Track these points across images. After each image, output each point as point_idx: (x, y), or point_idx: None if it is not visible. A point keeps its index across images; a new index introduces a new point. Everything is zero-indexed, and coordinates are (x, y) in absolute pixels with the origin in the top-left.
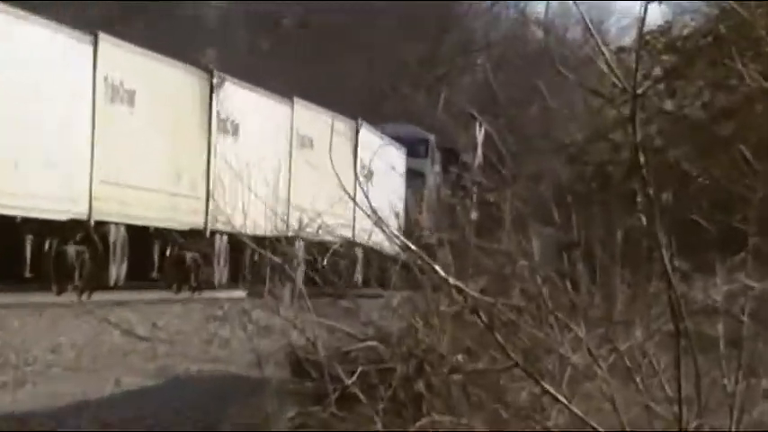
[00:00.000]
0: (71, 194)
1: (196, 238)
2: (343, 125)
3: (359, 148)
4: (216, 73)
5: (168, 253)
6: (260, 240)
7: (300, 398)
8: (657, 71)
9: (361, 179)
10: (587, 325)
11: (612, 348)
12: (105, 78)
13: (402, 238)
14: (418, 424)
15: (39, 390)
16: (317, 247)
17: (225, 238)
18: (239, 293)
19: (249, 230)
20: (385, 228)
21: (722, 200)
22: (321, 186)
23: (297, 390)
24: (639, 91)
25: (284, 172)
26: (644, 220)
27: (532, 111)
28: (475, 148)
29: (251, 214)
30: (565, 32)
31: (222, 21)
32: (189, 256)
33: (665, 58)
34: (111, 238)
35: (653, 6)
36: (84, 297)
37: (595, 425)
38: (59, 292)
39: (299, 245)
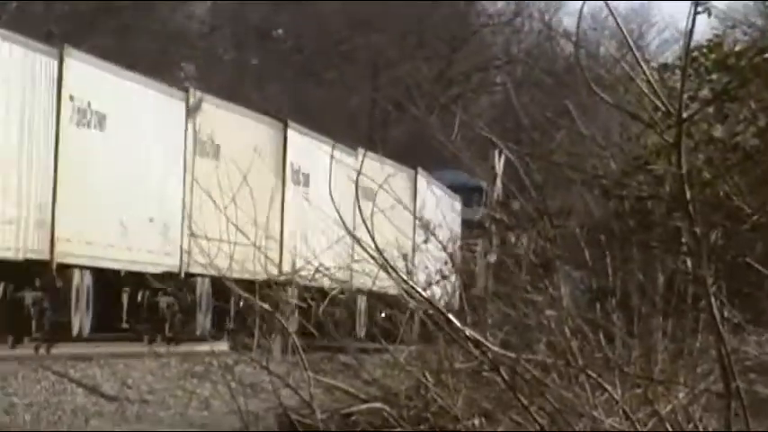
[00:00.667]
0: None
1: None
2: (400, 172)
3: (417, 198)
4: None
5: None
6: (248, 284)
7: None
8: (706, 92)
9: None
10: (623, 384)
11: (652, 412)
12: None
13: (411, 283)
14: None
15: None
16: (314, 293)
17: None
18: (222, 346)
19: (235, 273)
20: (392, 271)
21: None
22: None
23: None
24: (685, 115)
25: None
26: (689, 263)
27: (560, 136)
28: (494, 180)
29: (237, 254)
30: (598, 47)
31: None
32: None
33: (714, 77)
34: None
35: (701, 18)
36: (42, 350)
37: None
38: (14, 345)
39: (293, 290)
